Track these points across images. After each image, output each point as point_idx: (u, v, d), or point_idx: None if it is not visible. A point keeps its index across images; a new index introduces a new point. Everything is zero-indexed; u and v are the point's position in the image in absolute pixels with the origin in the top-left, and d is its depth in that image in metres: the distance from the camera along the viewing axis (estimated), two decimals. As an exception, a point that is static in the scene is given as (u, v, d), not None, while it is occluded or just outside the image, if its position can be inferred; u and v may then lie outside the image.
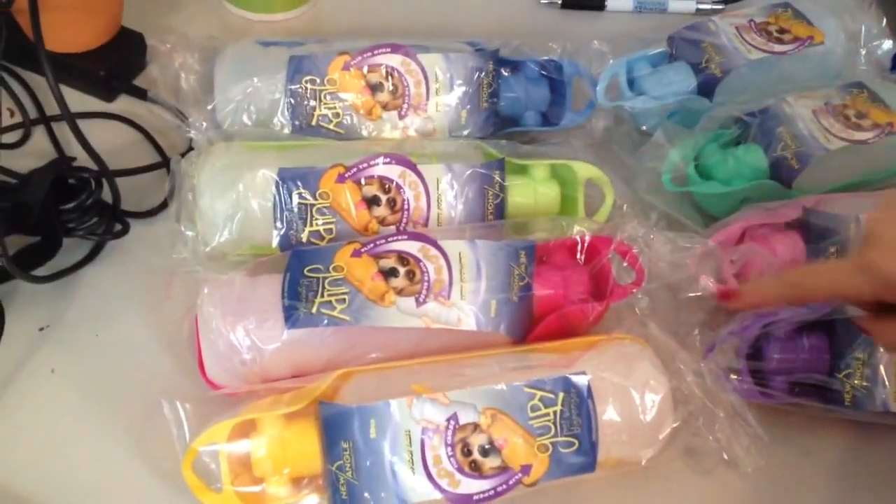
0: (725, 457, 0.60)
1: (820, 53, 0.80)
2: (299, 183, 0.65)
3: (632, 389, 0.57)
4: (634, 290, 0.64)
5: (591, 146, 0.77)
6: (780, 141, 0.72)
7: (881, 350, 0.63)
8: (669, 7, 0.93)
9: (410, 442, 0.53)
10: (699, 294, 0.67)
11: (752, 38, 0.79)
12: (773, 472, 0.64)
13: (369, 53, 0.72)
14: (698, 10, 0.93)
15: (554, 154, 0.73)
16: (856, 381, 0.63)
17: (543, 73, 0.77)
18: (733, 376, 0.63)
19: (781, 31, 0.80)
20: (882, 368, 0.63)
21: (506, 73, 0.76)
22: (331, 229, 0.65)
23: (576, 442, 0.56)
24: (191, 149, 0.73)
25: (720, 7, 0.94)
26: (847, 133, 0.72)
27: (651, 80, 0.78)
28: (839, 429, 0.67)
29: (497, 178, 0.68)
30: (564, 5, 0.93)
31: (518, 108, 0.76)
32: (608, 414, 0.57)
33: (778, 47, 0.79)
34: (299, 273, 0.60)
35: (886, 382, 0.63)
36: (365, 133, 0.72)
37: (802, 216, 0.69)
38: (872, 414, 0.64)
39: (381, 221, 0.66)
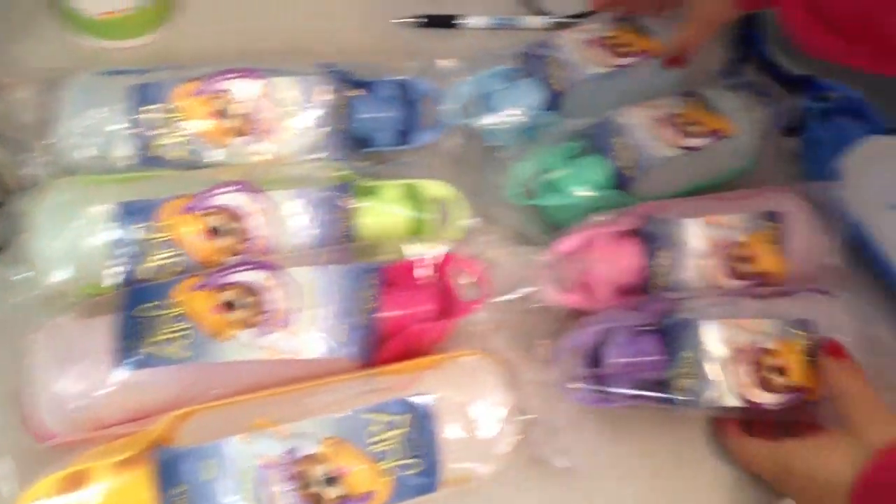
0: (567, 464, 0.62)
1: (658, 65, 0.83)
2: (139, 216, 0.64)
3: (474, 406, 0.59)
4: (480, 305, 0.66)
5: (444, 164, 0.78)
6: (619, 151, 0.75)
7: (708, 347, 0.66)
8: (524, 23, 0.95)
9: (248, 480, 0.53)
10: (544, 305, 0.69)
11: (596, 52, 0.82)
12: (615, 475, 0.67)
13: (217, 79, 0.72)
14: (551, 24, 0.95)
15: (406, 174, 0.74)
16: (687, 380, 0.66)
17: (395, 92, 0.79)
18: (576, 385, 0.65)
19: (622, 45, 0.82)
20: (707, 366, 0.66)
21: (358, 94, 0.77)
22: (174, 262, 0.64)
23: (419, 463, 0.57)
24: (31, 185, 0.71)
25: (574, 21, 0.96)
26: (681, 141, 0.75)
27: (502, 97, 0.80)
28: (678, 426, 0.69)
29: (346, 200, 0.69)
30: (419, 24, 0.94)
31: (371, 129, 0.77)
32: (451, 432, 0.58)
33: (620, 60, 0.81)
34: (135, 311, 0.59)
35: (715, 381, 0.66)
36: (214, 160, 0.72)
37: (639, 223, 0.71)
38: (704, 410, 0.67)
39: (228, 252, 0.66)
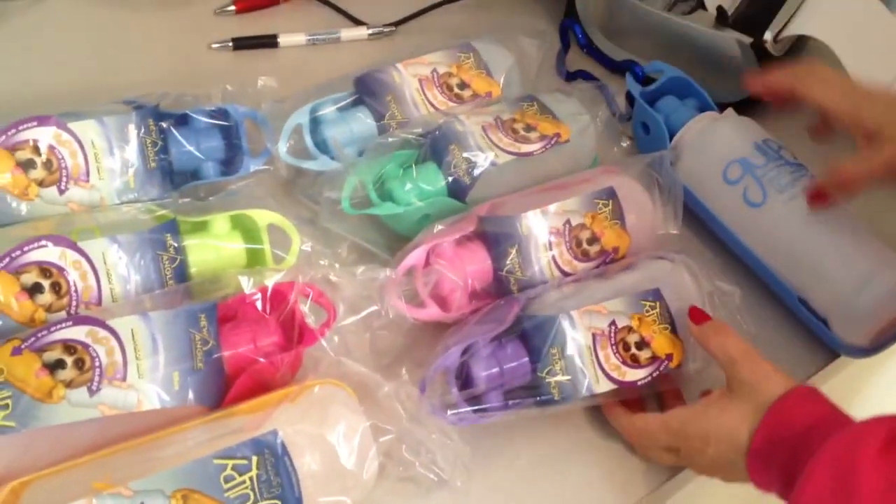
0: (435, 478, 0.61)
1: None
2: (-54, 285, 0.59)
3: (328, 436, 0.57)
4: (327, 331, 0.63)
5: (275, 188, 0.76)
6: (453, 158, 0.74)
7: (571, 339, 0.65)
8: (342, 36, 0.93)
9: (91, 548, 0.50)
10: (394, 320, 0.67)
11: (434, 94, 0.81)
12: (490, 481, 0.66)
13: (14, 130, 0.68)
14: (370, 35, 0.94)
15: (233, 205, 0.71)
16: (558, 376, 0.65)
17: (215, 121, 0.75)
18: (450, 412, 0.64)
19: (462, 84, 0.82)
20: (577, 358, 0.66)
21: (171, 128, 0.73)
22: (-6, 327, 0.60)
23: (279, 503, 0.54)
24: None
25: (392, 29, 0.95)
26: (515, 146, 0.75)
27: (335, 126, 0.78)
28: (544, 424, 0.68)
29: (171, 240, 0.65)
30: (236, 47, 0.91)
31: (192, 162, 0.74)
32: (308, 466, 0.56)
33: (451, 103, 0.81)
34: (-47, 385, 0.55)
35: (584, 370, 0.66)
36: (23, 215, 0.67)
37: (479, 226, 0.71)
38: (581, 400, 0.66)
39: (49, 309, 0.62)
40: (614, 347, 0.67)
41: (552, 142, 0.76)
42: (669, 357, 0.68)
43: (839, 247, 0.73)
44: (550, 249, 0.71)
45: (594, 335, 0.66)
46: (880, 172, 0.65)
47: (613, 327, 0.67)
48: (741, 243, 0.77)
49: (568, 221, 0.72)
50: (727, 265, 0.78)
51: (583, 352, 0.66)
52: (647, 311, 0.68)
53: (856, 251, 0.72)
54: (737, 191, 0.74)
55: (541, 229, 0.71)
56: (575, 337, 0.66)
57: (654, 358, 0.67)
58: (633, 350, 0.67)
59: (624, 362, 0.67)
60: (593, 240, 0.72)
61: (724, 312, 0.69)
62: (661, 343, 0.68)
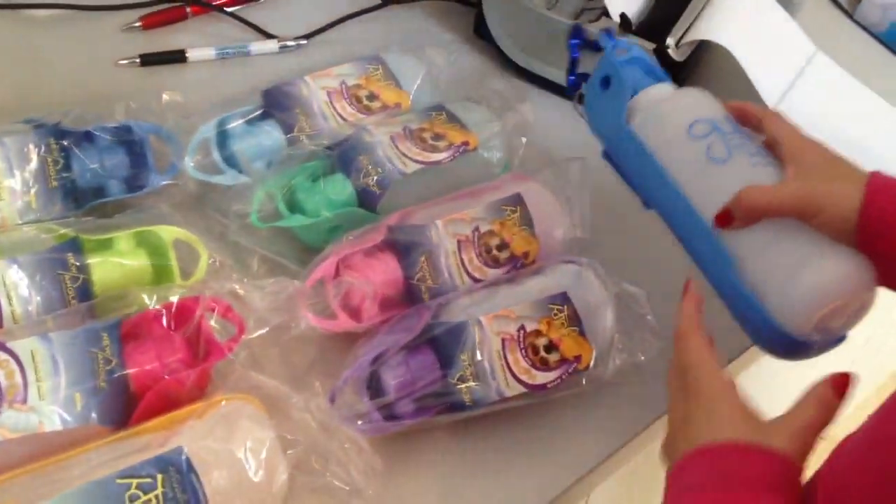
0: (347, 487, 0.61)
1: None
2: None
3: (235, 451, 0.56)
4: (235, 345, 0.63)
5: (183, 204, 0.75)
6: (362, 169, 0.74)
7: (480, 344, 0.66)
8: (252, 50, 0.93)
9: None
10: (305, 332, 0.67)
11: (343, 106, 0.81)
12: (405, 489, 0.66)
13: None
14: (281, 48, 0.94)
15: (137, 222, 0.70)
16: (469, 382, 0.66)
17: (119, 138, 0.75)
18: (360, 421, 0.64)
19: (371, 96, 0.83)
20: (487, 363, 0.66)
21: (73, 146, 0.72)
22: None
23: (187, 520, 0.54)
24: None
25: (303, 43, 0.95)
26: (423, 156, 0.76)
27: (242, 139, 0.78)
28: (454, 430, 0.69)
29: (72, 259, 0.65)
30: (144, 63, 0.90)
31: (96, 179, 0.73)
32: (216, 481, 0.55)
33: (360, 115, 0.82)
34: None
35: (495, 374, 0.66)
36: (-79, 238, 0.66)
37: (389, 235, 0.71)
38: (493, 405, 0.67)
39: (-54, 333, 0.60)
40: (523, 351, 0.67)
41: (460, 150, 0.77)
42: (578, 359, 0.69)
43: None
44: (460, 256, 0.72)
45: (503, 340, 0.67)
46: (786, 208, 0.61)
47: (522, 331, 0.68)
48: (687, 207, 0.65)
49: (477, 228, 0.72)
50: (636, 267, 0.79)
51: (493, 357, 0.67)
52: (556, 315, 0.69)
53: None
54: (700, 145, 0.65)
55: (450, 237, 0.72)
56: (485, 342, 0.67)
57: (562, 360, 0.68)
58: (542, 353, 0.68)
59: (533, 365, 0.67)
60: (502, 246, 0.73)
61: (630, 315, 0.71)
62: (569, 345, 0.69)
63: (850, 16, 1.08)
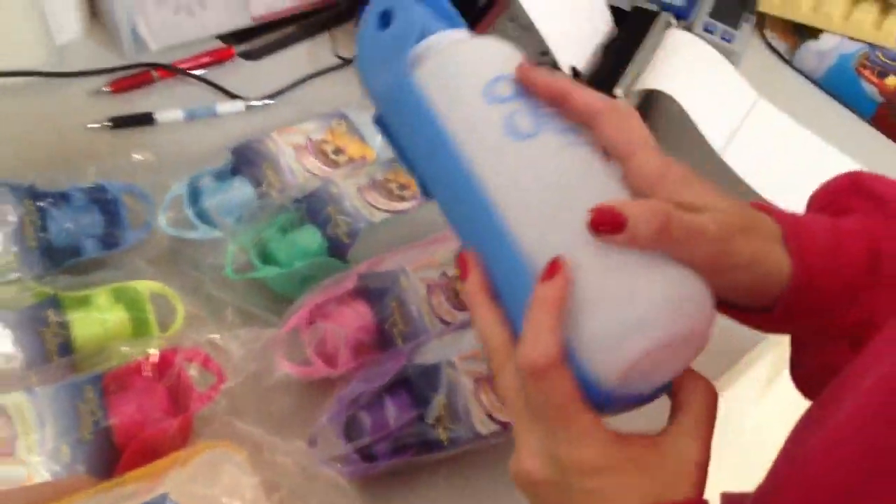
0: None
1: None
2: None
3: (219, 496, 0.58)
4: (215, 394, 0.65)
5: (158, 259, 0.77)
6: (331, 220, 0.77)
7: (454, 385, 0.68)
8: (219, 110, 0.96)
9: None
10: (282, 379, 0.69)
11: (310, 160, 0.84)
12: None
13: None
14: (247, 108, 0.97)
15: (115, 278, 0.72)
16: (445, 423, 0.68)
17: (92, 197, 0.77)
18: (339, 464, 0.66)
19: (337, 150, 0.86)
20: (461, 403, 0.68)
21: (49, 207, 0.74)
22: None
23: (171, 564, 0.55)
24: None
25: (269, 102, 0.98)
26: (390, 205, 0.79)
27: (214, 195, 0.80)
28: (435, 470, 0.71)
29: (52, 316, 0.66)
30: (115, 125, 0.92)
31: (72, 238, 0.75)
32: (202, 527, 0.57)
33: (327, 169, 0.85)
34: None
35: (470, 413, 0.69)
36: None
37: (360, 283, 0.74)
38: (469, 443, 0.69)
39: (-70, 391, 0.62)
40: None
41: (425, 198, 0.80)
42: None
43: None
44: (430, 301, 0.74)
45: (476, 379, 0.70)
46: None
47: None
48: (475, 191, 0.48)
49: (444, 273, 0.75)
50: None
51: (467, 396, 0.69)
52: (523, 353, 0.71)
53: None
54: (498, 112, 0.49)
55: (420, 282, 0.74)
56: (458, 382, 0.69)
57: None
58: None
59: None
60: (469, 290, 0.76)
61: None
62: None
63: (788, 63, 1.13)
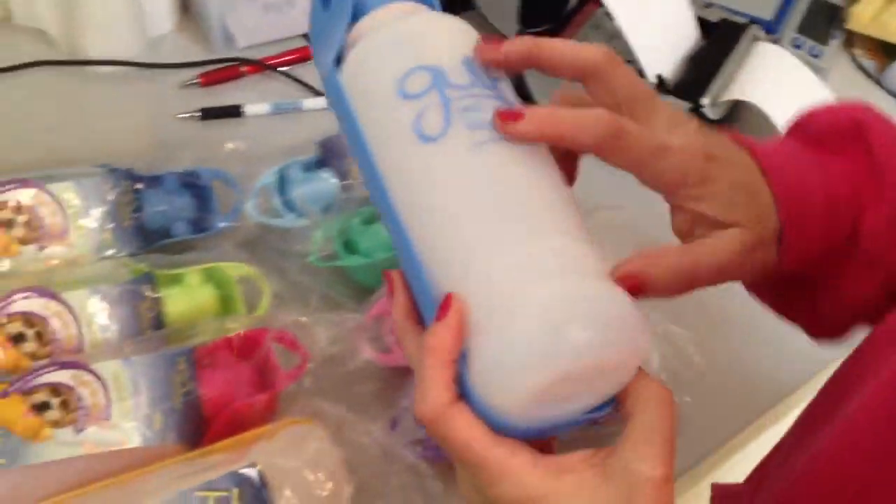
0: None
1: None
2: (-68, 334, 0.62)
3: (304, 469, 0.59)
4: (300, 374, 0.67)
5: (245, 245, 0.79)
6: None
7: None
8: (304, 105, 0.98)
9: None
10: (364, 364, 0.71)
11: None
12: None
13: (-5, 192, 0.71)
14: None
15: (206, 259, 0.74)
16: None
17: (185, 182, 0.79)
18: (419, 448, 0.67)
19: None
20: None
21: (144, 189, 0.77)
22: (-23, 375, 0.62)
23: (258, 532, 0.56)
24: None
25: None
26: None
27: (301, 185, 0.82)
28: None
29: (147, 291, 0.68)
30: (204, 116, 0.95)
31: (165, 220, 0.77)
32: (285, 498, 0.58)
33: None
34: (-58, 427, 0.57)
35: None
36: (5, 270, 0.70)
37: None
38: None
39: (32, 356, 0.64)
40: None
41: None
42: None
43: (522, 231, 0.42)
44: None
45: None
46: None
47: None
48: (389, 203, 0.44)
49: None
50: (681, 307, 0.80)
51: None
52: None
53: (543, 243, 0.42)
54: (409, 111, 0.44)
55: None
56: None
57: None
58: None
59: None
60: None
61: (676, 355, 0.73)
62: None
63: (877, 81, 1.12)
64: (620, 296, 0.41)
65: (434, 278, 0.42)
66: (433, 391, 0.40)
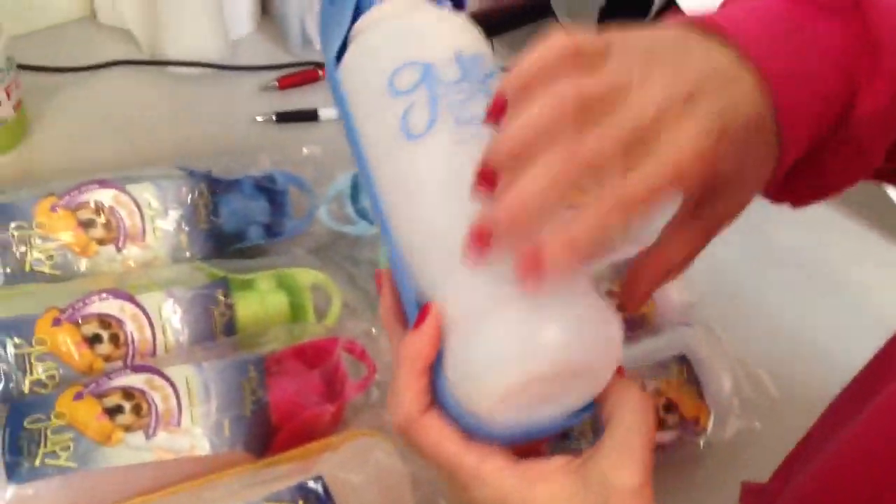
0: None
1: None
2: (13, 332, 0.63)
3: (368, 483, 0.59)
4: (367, 385, 0.67)
5: (317, 250, 0.80)
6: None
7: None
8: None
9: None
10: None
11: None
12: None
13: (76, 192, 0.72)
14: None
15: (278, 264, 0.75)
16: (590, 438, 0.67)
17: (261, 187, 0.80)
18: None
19: None
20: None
21: (221, 192, 0.77)
22: (53, 375, 0.63)
23: (323, 545, 0.57)
24: None
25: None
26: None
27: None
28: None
29: (221, 296, 0.69)
30: (280, 119, 0.96)
31: (240, 224, 0.78)
32: (351, 512, 0.58)
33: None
34: (19, 426, 0.58)
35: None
36: (83, 270, 0.71)
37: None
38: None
39: (106, 359, 0.65)
40: None
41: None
42: (696, 420, 0.70)
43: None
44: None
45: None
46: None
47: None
48: (378, 202, 0.45)
49: (609, 290, 0.75)
50: (754, 332, 0.80)
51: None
52: (675, 376, 0.70)
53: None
54: (397, 107, 0.43)
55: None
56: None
57: (681, 421, 0.69)
58: (661, 413, 0.69)
59: None
60: (620, 306, 0.75)
61: (748, 380, 0.72)
62: (687, 406, 0.70)
63: None
64: (596, 301, 0.40)
65: (415, 281, 0.42)
66: (405, 401, 0.41)
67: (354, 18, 0.48)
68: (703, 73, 0.39)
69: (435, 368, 0.41)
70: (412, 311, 0.42)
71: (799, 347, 0.80)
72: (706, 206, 0.46)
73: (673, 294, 0.77)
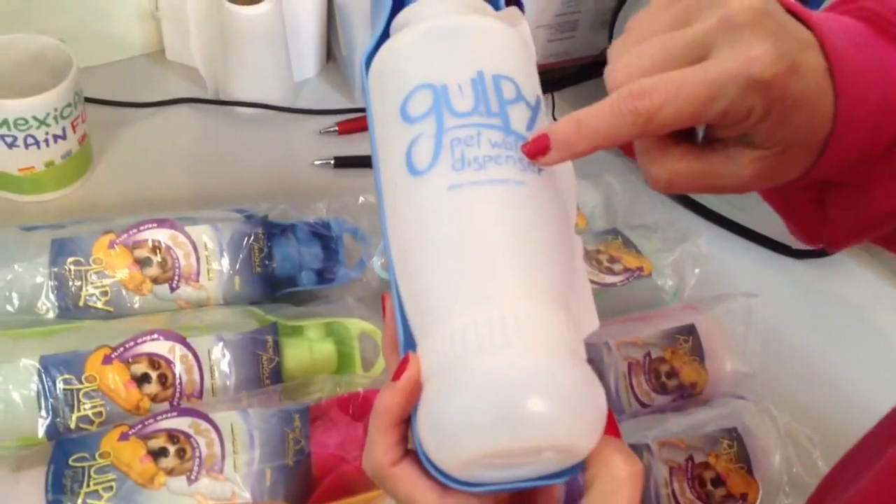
0: None
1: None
2: (63, 368, 0.64)
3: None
4: (410, 441, 0.66)
5: (367, 298, 0.79)
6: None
7: (653, 471, 0.67)
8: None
9: None
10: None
11: None
12: None
13: (135, 230, 0.73)
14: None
15: (328, 312, 0.75)
16: None
17: (316, 232, 0.80)
18: None
19: None
20: (653, 491, 0.67)
21: (276, 237, 0.78)
22: (100, 412, 0.64)
23: None
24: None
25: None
26: (598, 277, 0.78)
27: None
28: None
29: (270, 342, 0.69)
30: (338, 164, 0.96)
31: (293, 269, 0.78)
32: (388, 571, 0.57)
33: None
34: (63, 464, 0.58)
35: (661, 503, 0.67)
36: (136, 307, 0.72)
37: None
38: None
39: (153, 398, 0.65)
40: (690, 482, 0.68)
41: (634, 275, 0.79)
42: (744, 497, 0.68)
43: (484, 291, 0.38)
44: (630, 379, 0.73)
45: (671, 468, 0.68)
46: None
47: (691, 462, 0.68)
48: (384, 225, 0.42)
49: (648, 353, 0.74)
50: (806, 407, 0.78)
51: (659, 485, 0.67)
52: (725, 450, 0.69)
53: (504, 307, 0.37)
54: (406, 136, 0.40)
55: (622, 359, 0.73)
56: (653, 470, 0.67)
57: (728, 496, 0.68)
58: (709, 486, 0.68)
59: (699, 497, 0.68)
60: (672, 374, 0.74)
61: (799, 457, 0.70)
62: (736, 482, 0.68)
63: None
64: (577, 373, 0.37)
65: (407, 320, 0.41)
66: (375, 453, 0.41)
67: (392, 14, 0.44)
68: (782, 26, 0.39)
69: (412, 417, 0.39)
70: (403, 348, 0.40)
71: (851, 422, 0.77)
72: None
73: (726, 365, 0.76)
